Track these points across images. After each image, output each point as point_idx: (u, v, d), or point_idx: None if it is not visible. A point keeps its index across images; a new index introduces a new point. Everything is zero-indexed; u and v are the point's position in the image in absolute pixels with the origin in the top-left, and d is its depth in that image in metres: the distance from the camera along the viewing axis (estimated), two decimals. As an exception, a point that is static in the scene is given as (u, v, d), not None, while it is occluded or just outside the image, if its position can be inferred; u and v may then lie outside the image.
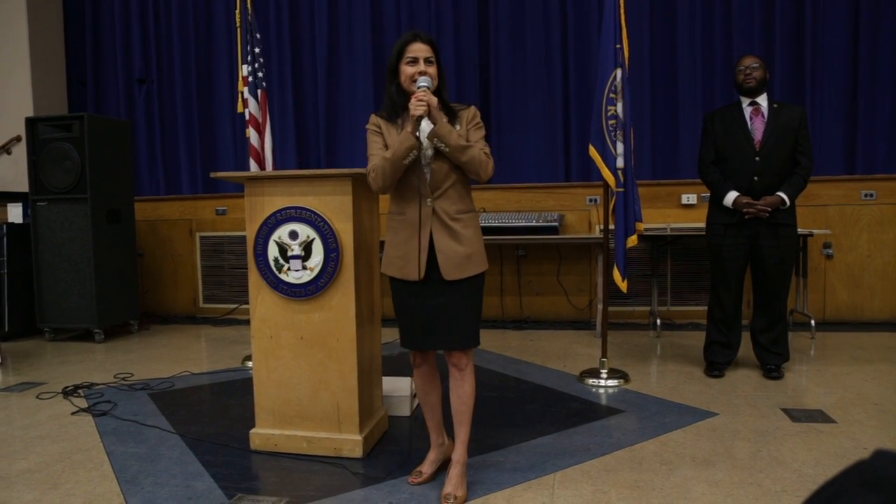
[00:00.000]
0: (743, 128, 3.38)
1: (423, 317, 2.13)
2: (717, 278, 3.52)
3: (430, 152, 2.09)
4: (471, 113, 2.18)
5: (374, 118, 2.19)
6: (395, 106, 2.14)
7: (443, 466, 2.31)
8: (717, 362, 3.53)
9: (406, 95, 2.10)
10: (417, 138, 2.03)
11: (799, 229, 4.59)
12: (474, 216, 2.18)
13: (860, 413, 2.85)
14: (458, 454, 2.18)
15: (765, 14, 5.07)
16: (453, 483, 2.12)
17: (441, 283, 2.09)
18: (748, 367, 3.60)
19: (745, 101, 3.41)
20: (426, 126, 2.06)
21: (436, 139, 2.03)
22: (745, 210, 3.33)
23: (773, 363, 3.46)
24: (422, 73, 2.06)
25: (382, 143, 2.13)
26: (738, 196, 3.34)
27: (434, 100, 2.02)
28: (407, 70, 2.09)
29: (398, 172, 2.06)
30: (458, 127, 2.11)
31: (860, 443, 2.51)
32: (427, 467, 2.29)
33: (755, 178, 3.32)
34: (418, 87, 2.03)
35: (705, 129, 3.55)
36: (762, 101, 3.41)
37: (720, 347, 3.53)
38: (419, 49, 2.08)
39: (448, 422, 2.31)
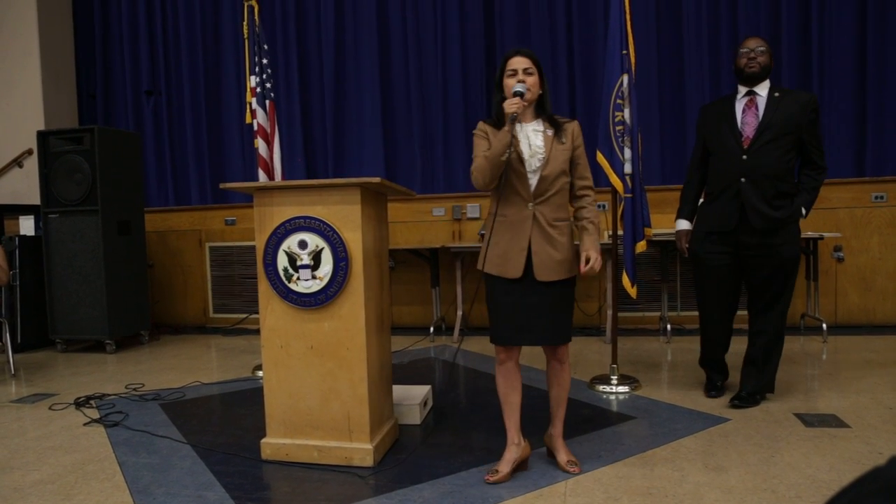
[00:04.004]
0: (731, 122, 2.96)
1: (517, 314, 2.28)
2: (697, 291, 3.23)
3: (537, 161, 2.24)
4: (577, 128, 2.34)
5: (482, 125, 2.35)
6: (501, 115, 2.28)
7: (519, 467, 2.37)
8: (711, 379, 3.29)
9: None
10: (514, 136, 2.19)
11: (809, 232, 4.61)
12: (569, 225, 2.33)
13: (874, 417, 2.82)
14: (558, 430, 2.45)
15: (771, 15, 5.07)
16: (567, 450, 2.42)
17: (535, 283, 2.26)
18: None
19: (742, 91, 3.00)
20: (530, 130, 2.27)
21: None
22: (677, 248, 3.26)
23: (747, 386, 3.02)
24: (521, 82, 2.22)
25: (487, 146, 2.27)
26: (679, 231, 3.23)
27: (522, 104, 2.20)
28: (509, 83, 2.27)
29: (497, 169, 2.20)
30: (564, 141, 2.28)
31: (875, 447, 2.48)
32: (504, 466, 2.32)
33: (742, 179, 2.90)
34: (513, 91, 2.20)
35: (697, 124, 3.22)
36: (761, 90, 2.96)
37: (710, 370, 3.30)
38: (518, 62, 2.26)
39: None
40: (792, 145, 2.91)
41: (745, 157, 2.91)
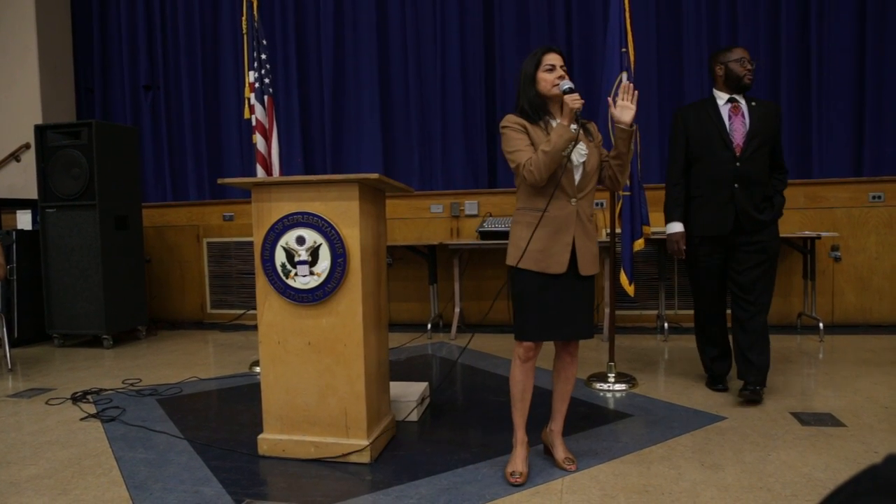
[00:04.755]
0: (720, 129, 2.99)
1: (554, 310, 2.28)
2: (693, 290, 3.30)
3: (579, 156, 2.25)
4: (595, 126, 2.42)
5: (514, 118, 2.31)
6: (537, 109, 2.30)
7: None
8: (715, 374, 3.34)
9: (545, 99, 2.30)
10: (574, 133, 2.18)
11: (806, 231, 4.63)
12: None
13: (870, 417, 2.83)
14: (559, 426, 2.46)
15: (770, 15, 5.06)
16: (564, 448, 2.43)
17: (575, 278, 2.29)
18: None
19: (723, 98, 3.04)
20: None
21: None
22: (671, 251, 3.18)
23: (749, 377, 3.02)
24: (561, 78, 2.25)
25: (528, 141, 2.26)
26: (675, 233, 3.14)
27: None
28: (546, 77, 2.28)
29: (555, 164, 2.18)
30: (591, 139, 2.34)
31: (871, 446, 2.49)
32: (523, 465, 2.31)
33: (735, 185, 2.96)
34: (563, 89, 2.19)
35: (675, 129, 3.16)
36: (740, 97, 3.03)
37: (715, 367, 3.35)
38: (555, 58, 2.29)
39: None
40: (769, 151, 3.04)
41: (738, 163, 2.98)
